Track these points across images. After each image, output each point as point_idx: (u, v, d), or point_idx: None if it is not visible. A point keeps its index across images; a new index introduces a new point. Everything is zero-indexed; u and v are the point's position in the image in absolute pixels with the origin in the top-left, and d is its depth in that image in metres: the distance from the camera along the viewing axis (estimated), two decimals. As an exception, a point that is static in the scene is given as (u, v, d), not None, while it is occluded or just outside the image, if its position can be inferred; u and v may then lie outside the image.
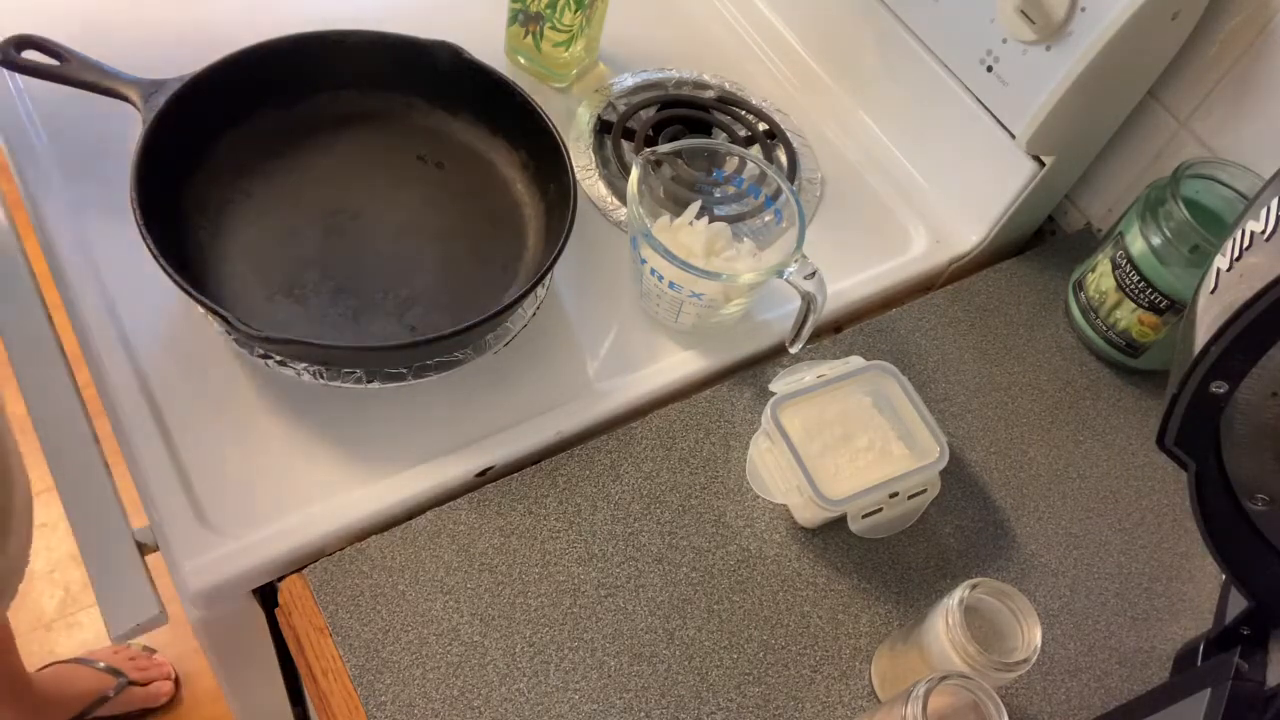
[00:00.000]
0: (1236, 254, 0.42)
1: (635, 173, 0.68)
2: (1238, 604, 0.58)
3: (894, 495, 0.64)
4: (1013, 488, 0.72)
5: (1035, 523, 0.71)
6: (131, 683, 1.38)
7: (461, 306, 0.70)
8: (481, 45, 0.75)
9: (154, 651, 1.41)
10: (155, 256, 0.60)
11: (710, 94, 0.90)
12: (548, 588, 0.63)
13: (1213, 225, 0.72)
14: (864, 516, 0.65)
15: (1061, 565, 0.69)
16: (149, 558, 0.63)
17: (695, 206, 0.74)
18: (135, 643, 1.40)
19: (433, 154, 0.77)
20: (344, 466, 0.65)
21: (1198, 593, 0.70)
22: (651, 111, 0.86)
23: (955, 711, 0.52)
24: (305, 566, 0.61)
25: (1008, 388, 0.77)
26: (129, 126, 0.66)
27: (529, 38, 0.83)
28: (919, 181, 0.87)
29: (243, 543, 0.61)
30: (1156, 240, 0.72)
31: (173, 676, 1.42)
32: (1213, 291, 0.43)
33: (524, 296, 0.65)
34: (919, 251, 0.83)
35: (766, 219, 0.74)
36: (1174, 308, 0.73)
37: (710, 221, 0.73)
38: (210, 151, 0.71)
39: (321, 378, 0.65)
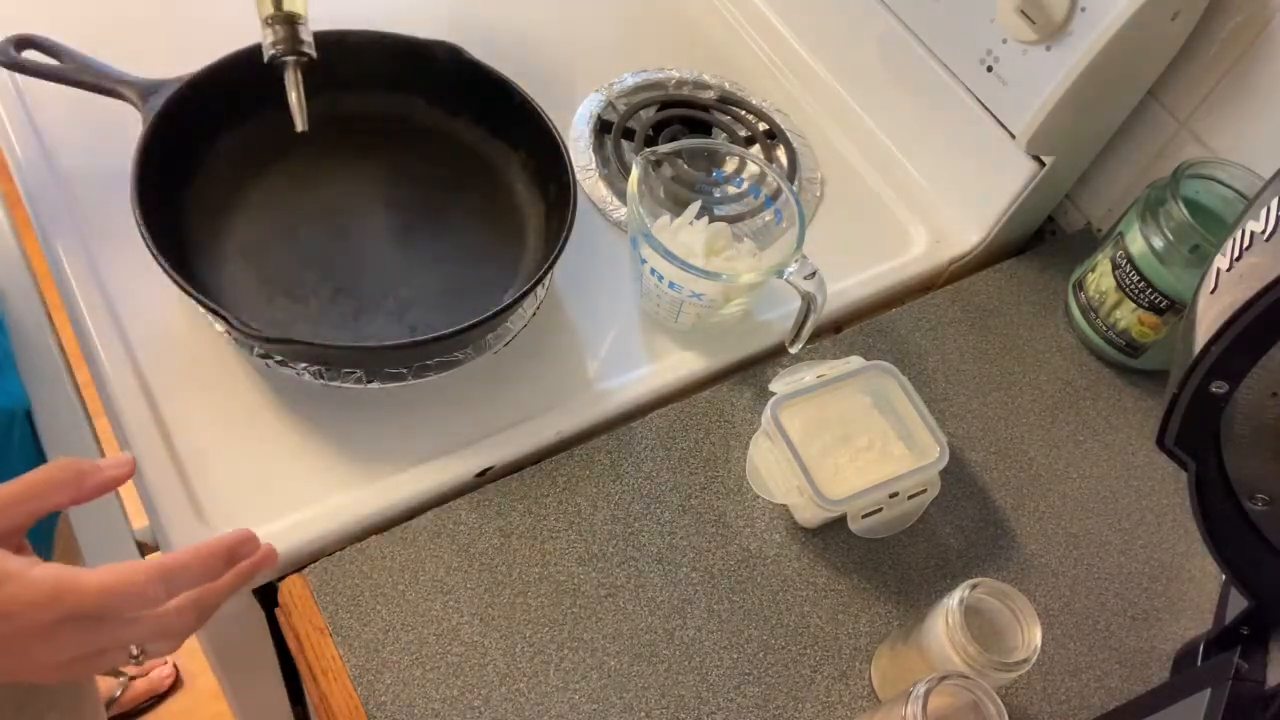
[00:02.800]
0: (1236, 254, 0.42)
1: (635, 173, 0.68)
2: (1238, 604, 0.57)
3: (894, 495, 0.64)
4: (1013, 488, 0.72)
5: (1035, 523, 0.71)
6: (132, 678, 1.39)
7: (461, 306, 0.70)
8: (482, 45, 0.75)
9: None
10: (155, 256, 0.60)
11: (710, 94, 0.90)
12: (548, 588, 0.63)
13: (1213, 225, 0.72)
14: (864, 516, 0.65)
15: (1061, 565, 0.69)
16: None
17: (695, 206, 0.74)
18: None
19: (433, 154, 0.77)
20: (344, 466, 0.65)
21: (1198, 593, 0.70)
22: (651, 111, 0.87)
23: (955, 711, 0.52)
24: (305, 566, 0.61)
25: (1008, 388, 0.77)
26: (129, 126, 0.66)
27: None
28: (919, 181, 0.87)
29: (243, 543, 0.61)
30: (1156, 240, 0.72)
31: (169, 661, 1.43)
32: (1213, 291, 0.43)
33: (524, 296, 0.65)
34: (919, 251, 0.83)
35: (766, 219, 0.74)
36: (1174, 308, 0.73)
37: (710, 221, 0.73)
38: (210, 152, 0.71)
39: (321, 378, 0.65)
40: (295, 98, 0.66)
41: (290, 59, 0.65)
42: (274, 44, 0.65)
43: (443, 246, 0.73)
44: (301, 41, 0.65)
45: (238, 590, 0.48)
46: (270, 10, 0.64)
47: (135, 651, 0.46)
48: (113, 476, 0.46)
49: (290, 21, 0.64)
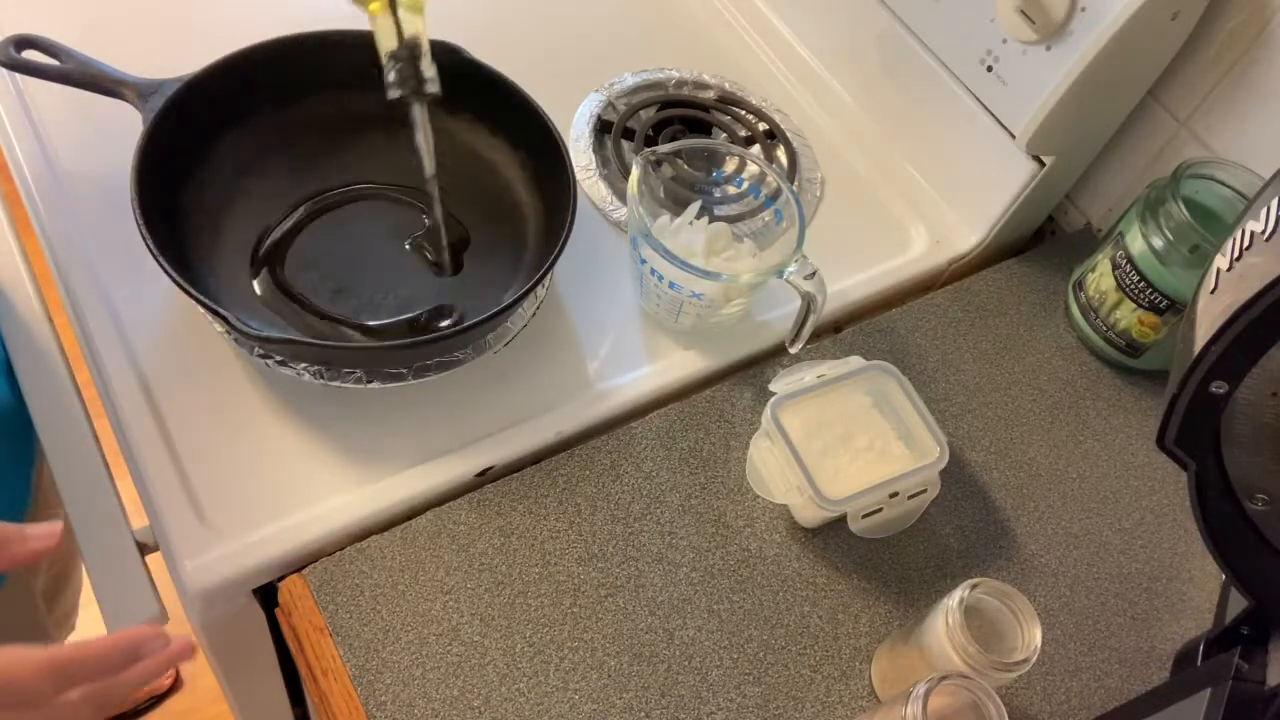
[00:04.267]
0: (1236, 254, 0.42)
1: (635, 173, 0.68)
2: (1238, 604, 0.58)
3: (894, 495, 0.64)
4: (1013, 488, 0.72)
5: (1035, 523, 0.71)
6: None
7: (461, 306, 0.70)
8: (481, 45, 0.75)
9: None
10: (155, 256, 0.60)
11: (710, 94, 0.90)
12: (548, 588, 0.63)
13: (1213, 225, 0.72)
14: (864, 516, 0.65)
15: (1061, 565, 0.69)
16: (149, 558, 0.63)
17: (695, 206, 0.74)
18: None
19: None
20: (344, 466, 0.65)
21: (1198, 593, 0.70)
22: (651, 111, 0.87)
23: (955, 711, 0.52)
24: (305, 566, 0.61)
25: (1008, 388, 0.77)
26: (129, 126, 0.66)
27: None
28: (919, 181, 0.87)
29: (243, 543, 0.61)
30: (1156, 240, 0.72)
31: None
32: (1213, 291, 0.43)
33: (524, 296, 0.65)
34: (919, 251, 0.83)
35: (766, 219, 0.74)
36: (1174, 308, 0.73)
37: (710, 221, 0.73)
38: (210, 151, 0.71)
39: (321, 378, 0.65)
40: (422, 140, 0.65)
41: (414, 98, 0.63)
42: (398, 83, 0.62)
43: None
44: (425, 79, 0.63)
45: (141, 686, 0.46)
46: (394, 45, 0.61)
47: None
48: (34, 550, 0.45)
49: (413, 57, 0.62)
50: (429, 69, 0.63)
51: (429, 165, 0.66)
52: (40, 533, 0.45)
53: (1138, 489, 0.74)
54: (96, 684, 0.44)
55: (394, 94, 0.63)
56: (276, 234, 0.71)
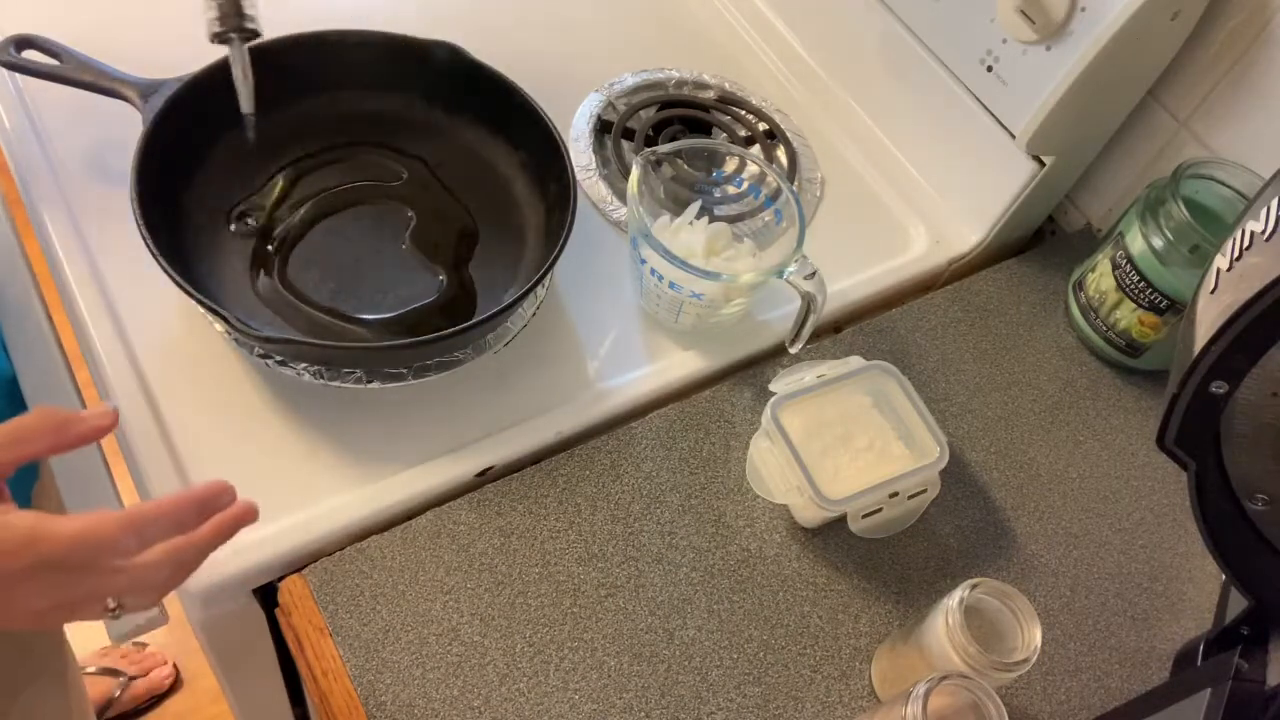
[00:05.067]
0: (1236, 254, 0.43)
1: (635, 173, 0.68)
2: (1238, 604, 0.58)
3: (894, 495, 0.64)
4: (1013, 488, 0.72)
5: (1035, 523, 0.71)
6: (132, 678, 1.39)
7: (461, 306, 0.70)
8: (482, 45, 0.75)
9: (145, 645, 1.43)
10: (155, 256, 0.60)
11: (710, 94, 0.90)
12: (548, 588, 0.63)
13: (1213, 225, 0.72)
14: (864, 516, 0.65)
15: (1061, 565, 0.69)
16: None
17: (695, 206, 0.74)
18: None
19: (433, 154, 0.77)
20: (344, 466, 0.65)
21: (1198, 593, 0.70)
22: (651, 111, 0.87)
23: (955, 711, 0.52)
24: (305, 566, 0.61)
25: (1008, 388, 0.77)
26: (129, 126, 0.66)
27: None
28: (919, 181, 0.87)
29: (243, 543, 0.61)
30: (1156, 240, 0.72)
31: (169, 661, 1.43)
32: (1213, 291, 0.43)
33: (524, 296, 0.65)
34: (919, 251, 0.83)
35: (766, 219, 0.74)
36: (1174, 308, 0.73)
37: (710, 221, 0.73)
38: (210, 152, 0.71)
39: (321, 378, 0.65)
40: (240, 74, 0.66)
41: (235, 35, 0.65)
42: (217, 19, 0.64)
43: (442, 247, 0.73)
44: (245, 16, 0.65)
45: (216, 545, 0.47)
46: None
47: (112, 605, 0.45)
48: (95, 427, 0.46)
49: None
50: (250, 7, 0.65)
51: (246, 104, 0.68)
52: (97, 413, 0.46)
53: (1138, 489, 0.74)
54: (175, 541, 0.45)
55: (212, 31, 0.65)
56: (276, 234, 0.71)
